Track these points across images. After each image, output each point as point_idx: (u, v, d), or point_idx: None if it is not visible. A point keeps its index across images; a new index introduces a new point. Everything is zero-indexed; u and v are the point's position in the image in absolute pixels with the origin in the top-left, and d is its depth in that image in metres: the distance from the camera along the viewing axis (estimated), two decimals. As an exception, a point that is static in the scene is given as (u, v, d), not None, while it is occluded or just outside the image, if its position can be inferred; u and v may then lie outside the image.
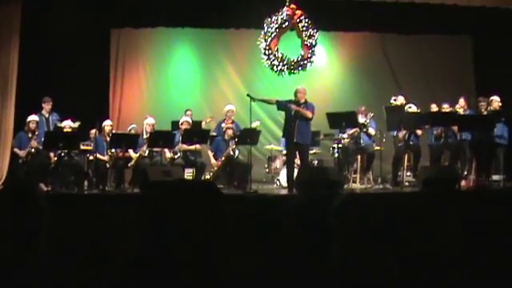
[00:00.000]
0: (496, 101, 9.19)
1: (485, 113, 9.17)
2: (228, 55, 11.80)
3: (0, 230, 1.98)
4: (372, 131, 9.56)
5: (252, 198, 7.63)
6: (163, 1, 10.59)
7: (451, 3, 10.60)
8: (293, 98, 8.57)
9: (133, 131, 9.52)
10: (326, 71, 11.94)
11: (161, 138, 8.75)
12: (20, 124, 9.23)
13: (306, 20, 9.92)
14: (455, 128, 9.14)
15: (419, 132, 9.40)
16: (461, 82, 11.73)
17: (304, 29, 9.93)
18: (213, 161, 9.44)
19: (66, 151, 8.76)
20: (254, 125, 9.31)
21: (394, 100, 9.87)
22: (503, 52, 10.81)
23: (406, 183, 9.21)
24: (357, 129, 9.37)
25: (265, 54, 9.92)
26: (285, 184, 9.45)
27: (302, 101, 8.50)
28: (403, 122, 8.96)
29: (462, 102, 9.78)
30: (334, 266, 1.92)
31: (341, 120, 8.92)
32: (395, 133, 9.35)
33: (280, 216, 2.17)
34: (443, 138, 9.43)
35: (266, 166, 10.52)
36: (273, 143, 10.95)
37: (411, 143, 9.26)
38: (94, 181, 9.03)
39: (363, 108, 9.66)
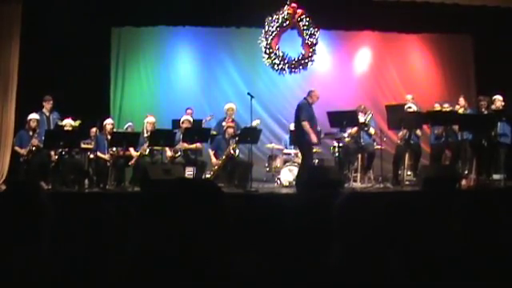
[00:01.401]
0: (499, 100, 9.18)
1: (485, 112, 9.15)
2: (229, 54, 11.79)
3: (3, 229, 1.98)
4: (372, 130, 9.56)
5: (252, 196, 7.65)
6: (164, -1, 10.60)
7: (452, 2, 10.60)
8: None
9: (129, 129, 9.51)
10: (326, 70, 11.92)
11: (161, 137, 8.76)
12: (21, 122, 9.24)
13: (307, 19, 9.91)
14: (456, 127, 9.13)
15: (419, 132, 9.40)
16: (461, 81, 11.72)
17: (305, 28, 9.93)
18: (213, 159, 9.44)
19: (66, 150, 8.76)
20: (253, 123, 9.31)
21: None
22: (504, 51, 10.80)
23: (407, 182, 9.21)
24: (357, 128, 9.37)
25: (266, 52, 9.91)
26: (285, 183, 9.47)
27: (314, 103, 8.77)
28: (404, 120, 8.96)
29: (462, 101, 9.78)
30: (335, 266, 1.92)
31: (341, 119, 8.92)
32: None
33: (281, 215, 2.17)
34: (444, 138, 9.42)
35: (267, 164, 10.52)
36: (273, 142, 10.95)
37: (412, 142, 9.26)
38: (94, 179, 9.04)
39: (362, 106, 9.68)
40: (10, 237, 1.99)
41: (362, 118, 9.38)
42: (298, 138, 8.83)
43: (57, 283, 1.87)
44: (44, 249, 1.98)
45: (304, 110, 8.57)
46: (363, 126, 9.38)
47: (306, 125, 8.47)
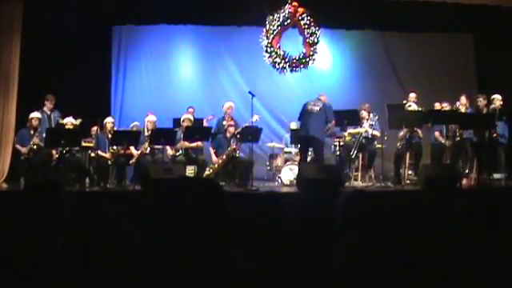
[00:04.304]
0: (498, 99, 9.16)
1: (484, 110, 9.15)
2: (230, 53, 11.79)
3: (25, 227, 1.99)
4: (377, 133, 9.52)
5: (253, 195, 7.65)
6: (165, -2, 10.59)
7: (453, 1, 10.58)
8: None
9: (135, 128, 9.52)
10: (327, 69, 11.92)
11: (162, 136, 8.76)
12: (22, 121, 9.24)
13: (308, 17, 9.91)
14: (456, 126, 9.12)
15: (420, 134, 9.38)
16: (462, 80, 11.70)
17: (306, 26, 9.92)
18: (214, 158, 9.43)
19: (67, 148, 8.76)
20: (253, 118, 9.31)
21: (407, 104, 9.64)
22: (505, 50, 10.79)
23: (408, 181, 9.21)
24: (360, 130, 9.37)
25: (267, 51, 9.91)
26: (286, 182, 9.47)
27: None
28: (405, 120, 8.95)
29: (463, 100, 9.76)
30: (337, 265, 1.92)
31: (343, 118, 8.91)
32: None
33: (282, 214, 2.17)
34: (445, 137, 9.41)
35: (268, 163, 10.52)
36: (274, 141, 10.95)
37: (413, 141, 9.25)
38: (95, 178, 9.04)
39: (367, 105, 9.63)
40: (31, 235, 2.00)
41: (366, 124, 9.35)
42: (318, 136, 8.63)
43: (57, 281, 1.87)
44: (59, 247, 1.98)
45: (332, 111, 8.73)
46: (366, 133, 9.36)
47: (333, 124, 8.80)
